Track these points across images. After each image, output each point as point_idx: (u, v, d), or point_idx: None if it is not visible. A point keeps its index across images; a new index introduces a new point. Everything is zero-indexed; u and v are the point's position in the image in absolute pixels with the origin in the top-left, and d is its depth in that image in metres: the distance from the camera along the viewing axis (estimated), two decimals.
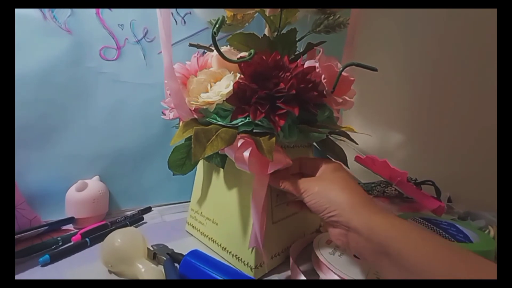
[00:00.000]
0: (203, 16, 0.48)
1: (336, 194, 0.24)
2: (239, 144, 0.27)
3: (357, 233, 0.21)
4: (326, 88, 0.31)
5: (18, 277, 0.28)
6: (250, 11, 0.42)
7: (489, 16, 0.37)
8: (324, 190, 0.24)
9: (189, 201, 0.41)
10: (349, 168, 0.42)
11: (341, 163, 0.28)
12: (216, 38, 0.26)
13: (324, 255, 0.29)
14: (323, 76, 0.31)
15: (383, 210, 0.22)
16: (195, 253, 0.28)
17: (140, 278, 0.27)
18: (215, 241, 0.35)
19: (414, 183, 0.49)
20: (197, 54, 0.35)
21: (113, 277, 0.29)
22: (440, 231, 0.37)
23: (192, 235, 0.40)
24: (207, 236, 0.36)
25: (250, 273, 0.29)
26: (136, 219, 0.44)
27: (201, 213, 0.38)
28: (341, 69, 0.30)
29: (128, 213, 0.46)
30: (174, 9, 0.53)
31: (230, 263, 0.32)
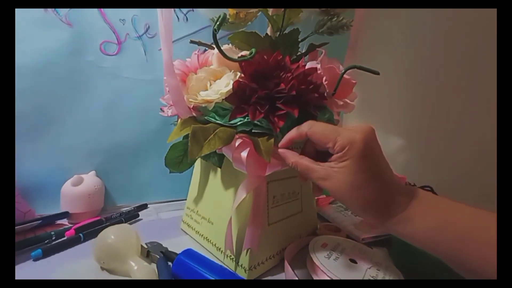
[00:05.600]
0: (205, 13, 0.48)
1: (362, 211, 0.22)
2: (237, 144, 0.26)
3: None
4: (327, 90, 0.31)
5: None
6: (253, 10, 0.42)
7: (492, 18, 0.36)
8: (348, 199, 0.22)
9: (185, 199, 0.41)
10: None
11: (367, 132, 0.22)
12: (217, 35, 0.25)
13: (320, 258, 0.28)
14: (324, 78, 0.30)
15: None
16: (188, 253, 0.28)
17: (132, 276, 0.27)
18: (210, 241, 0.34)
19: None
20: (198, 52, 0.35)
21: (105, 274, 0.29)
22: None
23: (187, 233, 0.39)
24: (202, 235, 0.36)
25: (244, 275, 0.29)
26: (131, 216, 0.43)
27: (197, 212, 0.38)
28: (343, 71, 0.30)
29: (124, 209, 0.46)
30: None
31: (224, 264, 0.31)
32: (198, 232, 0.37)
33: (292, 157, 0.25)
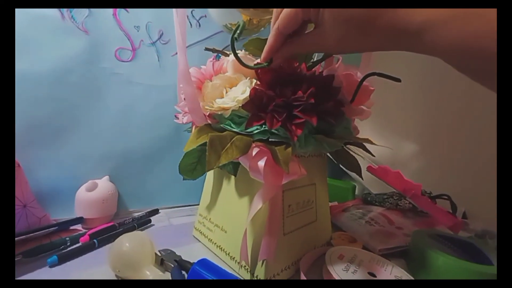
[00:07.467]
0: (218, 19, 0.48)
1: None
2: (254, 153, 0.26)
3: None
4: (345, 98, 0.30)
5: (25, 277, 0.28)
6: (267, 16, 0.42)
7: None
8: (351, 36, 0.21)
9: (197, 204, 0.41)
10: (363, 179, 0.41)
11: None
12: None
13: (338, 271, 0.28)
14: (342, 85, 0.30)
15: None
16: (203, 263, 0.28)
17: None
18: (223, 250, 0.34)
19: (429, 197, 0.47)
20: (212, 59, 0.34)
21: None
22: (458, 250, 0.35)
23: (199, 240, 0.39)
24: (215, 243, 0.35)
25: None
26: (143, 221, 0.43)
27: (210, 219, 0.37)
28: (362, 78, 0.29)
29: (136, 214, 0.46)
30: (190, 12, 0.53)
31: (239, 274, 0.31)
32: (211, 240, 0.36)
33: (284, 50, 0.25)
